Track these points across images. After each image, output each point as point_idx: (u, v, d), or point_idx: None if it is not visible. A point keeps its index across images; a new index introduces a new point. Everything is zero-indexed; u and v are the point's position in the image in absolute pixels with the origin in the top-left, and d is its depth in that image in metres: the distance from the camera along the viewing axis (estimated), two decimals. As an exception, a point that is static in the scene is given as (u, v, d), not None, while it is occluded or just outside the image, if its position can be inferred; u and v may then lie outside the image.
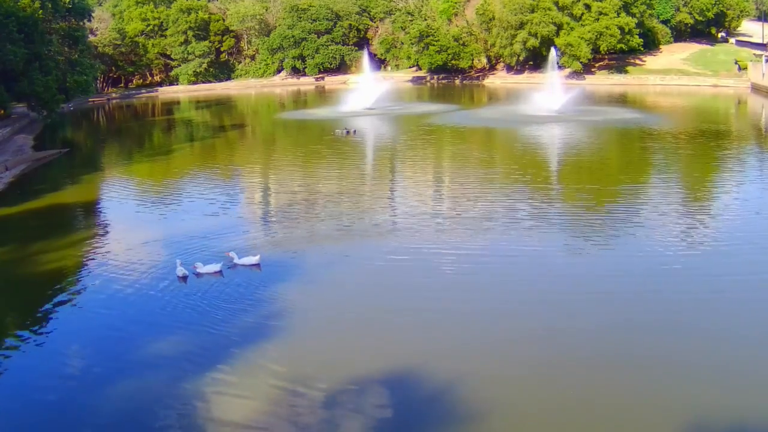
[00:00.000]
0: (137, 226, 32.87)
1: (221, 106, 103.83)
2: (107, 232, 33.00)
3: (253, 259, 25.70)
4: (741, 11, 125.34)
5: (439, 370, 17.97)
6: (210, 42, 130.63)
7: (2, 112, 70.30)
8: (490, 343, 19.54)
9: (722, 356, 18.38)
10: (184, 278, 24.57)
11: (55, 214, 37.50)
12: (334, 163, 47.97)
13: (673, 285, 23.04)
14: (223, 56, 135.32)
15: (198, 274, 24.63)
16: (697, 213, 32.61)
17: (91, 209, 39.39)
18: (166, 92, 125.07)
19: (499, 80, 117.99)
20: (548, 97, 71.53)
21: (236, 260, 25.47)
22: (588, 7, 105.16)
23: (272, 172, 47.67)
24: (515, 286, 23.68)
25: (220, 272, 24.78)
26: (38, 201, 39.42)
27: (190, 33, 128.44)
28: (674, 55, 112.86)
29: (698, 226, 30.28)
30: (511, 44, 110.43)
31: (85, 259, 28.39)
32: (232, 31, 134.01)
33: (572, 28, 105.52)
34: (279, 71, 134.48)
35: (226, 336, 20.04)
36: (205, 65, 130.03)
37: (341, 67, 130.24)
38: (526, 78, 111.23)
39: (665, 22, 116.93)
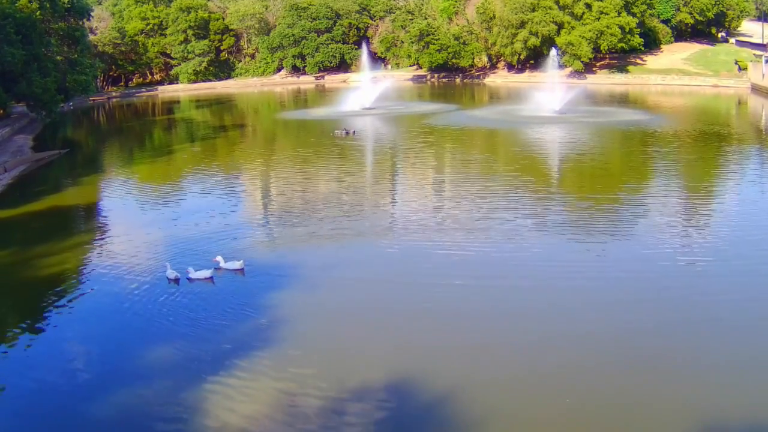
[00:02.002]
0: (136, 229, 32.77)
1: (221, 105, 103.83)
2: (106, 235, 32.88)
3: (237, 264, 25.73)
4: (741, 11, 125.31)
5: (440, 373, 17.93)
6: (210, 41, 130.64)
7: (2, 112, 70.27)
8: (493, 347, 19.48)
9: (731, 357, 18.36)
10: (176, 280, 24.62)
11: (54, 216, 37.45)
12: (333, 164, 47.93)
13: (679, 288, 22.99)
14: (223, 55, 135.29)
15: (190, 280, 24.62)
16: (701, 216, 32.54)
17: (90, 211, 39.33)
18: (166, 91, 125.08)
19: (500, 79, 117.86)
20: (549, 96, 71.43)
21: (222, 264, 25.51)
22: (589, 6, 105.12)
23: (271, 174, 47.59)
24: (515, 289, 23.59)
25: (211, 278, 24.77)
26: (38, 203, 39.33)
27: (189, 32, 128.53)
28: (675, 54, 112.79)
29: (703, 229, 30.29)
30: (512, 43, 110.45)
31: (83, 262, 28.38)
32: (232, 29, 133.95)
33: (573, 27, 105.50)
34: (279, 70, 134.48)
35: (224, 340, 19.99)
36: (205, 64, 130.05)
37: (341, 66, 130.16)
38: (527, 77, 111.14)
39: (666, 21, 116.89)
